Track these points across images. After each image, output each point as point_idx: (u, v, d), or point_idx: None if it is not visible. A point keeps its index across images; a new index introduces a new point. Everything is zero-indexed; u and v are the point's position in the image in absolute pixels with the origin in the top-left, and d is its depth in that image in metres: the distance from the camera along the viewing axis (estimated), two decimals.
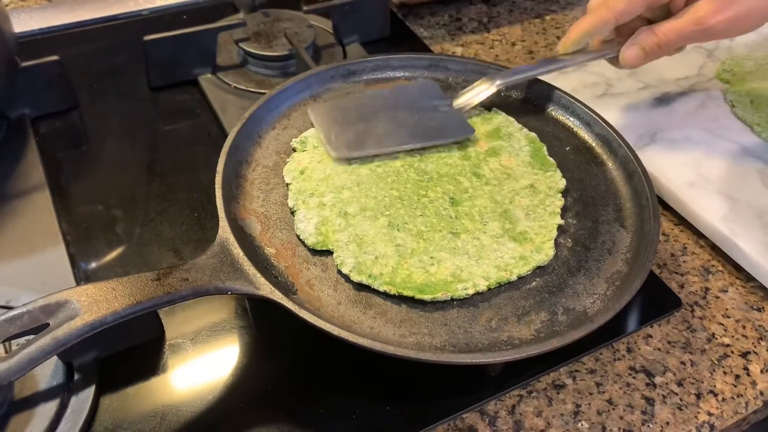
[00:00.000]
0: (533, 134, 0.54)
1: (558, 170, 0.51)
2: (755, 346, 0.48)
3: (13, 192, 0.53)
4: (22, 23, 0.70)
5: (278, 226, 0.46)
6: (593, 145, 0.54)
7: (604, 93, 0.65)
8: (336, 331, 0.38)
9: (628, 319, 0.48)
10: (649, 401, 0.44)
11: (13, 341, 0.40)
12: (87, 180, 0.56)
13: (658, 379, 0.45)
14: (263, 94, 0.55)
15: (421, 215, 0.47)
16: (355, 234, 0.45)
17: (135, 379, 0.43)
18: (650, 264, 0.43)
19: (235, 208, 0.46)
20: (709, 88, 0.65)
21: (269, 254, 0.44)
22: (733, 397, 0.45)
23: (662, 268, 0.53)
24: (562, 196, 0.50)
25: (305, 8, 0.69)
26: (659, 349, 0.47)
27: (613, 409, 0.44)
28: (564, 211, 0.49)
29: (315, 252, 0.45)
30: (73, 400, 0.40)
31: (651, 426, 0.43)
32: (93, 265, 0.50)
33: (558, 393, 0.44)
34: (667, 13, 0.53)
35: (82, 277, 0.48)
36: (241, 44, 0.66)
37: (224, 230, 0.42)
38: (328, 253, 0.45)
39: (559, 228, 0.47)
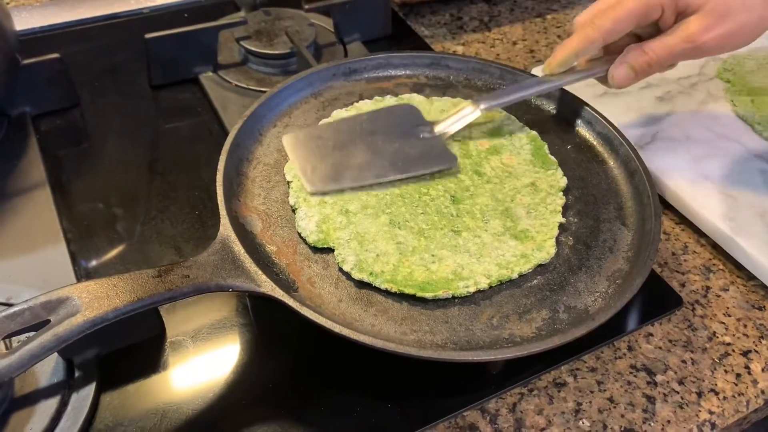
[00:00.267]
0: (534, 132, 0.54)
1: (559, 168, 0.51)
2: (756, 345, 0.48)
3: (14, 189, 0.53)
4: (23, 21, 0.70)
5: (279, 224, 0.46)
6: (594, 143, 0.54)
7: (605, 92, 0.65)
8: (337, 328, 0.38)
9: (629, 318, 0.48)
10: (650, 400, 0.44)
11: (13, 338, 0.40)
12: (88, 178, 0.56)
13: (659, 378, 0.45)
14: (264, 92, 0.55)
15: (422, 213, 0.47)
16: (357, 232, 0.45)
17: (136, 376, 0.43)
18: (651, 262, 0.43)
19: (236, 205, 0.46)
20: (710, 88, 0.65)
21: (270, 252, 0.44)
22: (734, 396, 0.45)
23: (663, 266, 0.53)
24: (564, 195, 0.50)
25: (306, 6, 0.69)
26: (660, 348, 0.47)
27: (614, 407, 0.43)
28: (565, 210, 0.49)
29: (316, 250, 0.45)
30: (74, 397, 0.40)
31: (652, 424, 0.43)
32: (94, 262, 0.50)
33: (559, 391, 0.44)
34: (656, 29, 0.50)
35: (83, 275, 0.48)
36: (242, 42, 0.66)
37: (225, 227, 0.42)
38: (329, 250, 0.45)
39: (561, 226, 0.47)
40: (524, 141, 0.53)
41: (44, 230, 0.50)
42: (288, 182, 0.49)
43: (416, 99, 0.57)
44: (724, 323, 0.49)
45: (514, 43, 0.76)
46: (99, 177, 0.56)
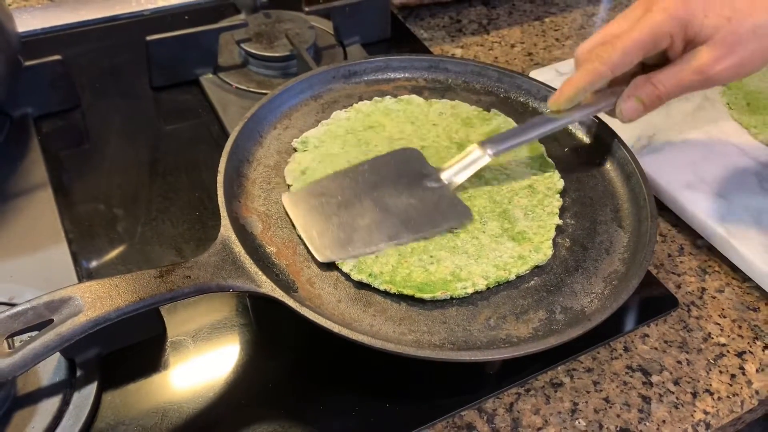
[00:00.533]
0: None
1: (556, 171, 0.52)
2: (751, 346, 0.48)
3: (15, 190, 0.53)
4: (25, 23, 0.70)
5: (279, 225, 0.46)
6: (591, 146, 0.55)
7: None
8: (336, 328, 0.38)
9: (626, 319, 0.49)
10: (646, 400, 0.44)
11: (15, 338, 0.41)
12: (89, 178, 0.57)
13: (654, 378, 0.46)
14: (264, 94, 0.56)
15: None
16: None
17: (137, 376, 0.43)
18: (647, 264, 0.44)
19: (237, 206, 0.47)
20: (706, 91, 0.66)
21: (270, 252, 0.44)
22: (728, 396, 0.45)
23: (659, 268, 0.53)
24: (561, 197, 0.50)
25: (306, 9, 0.70)
26: (656, 349, 0.48)
27: (610, 407, 0.44)
28: (562, 212, 0.49)
29: None
30: (76, 396, 0.41)
31: (647, 424, 0.43)
32: (95, 262, 0.50)
33: (556, 391, 0.45)
34: (663, 56, 0.48)
35: (84, 275, 0.49)
36: (242, 45, 0.66)
37: (226, 228, 0.42)
38: None
39: (558, 228, 0.48)
40: None
41: (46, 230, 0.50)
42: (288, 185, 0.49)
43: (415, 101, 0.57)
44: (719, 324, 0.49)
45: (513, 46, 0.77)
46: (100, 178, 0.57)
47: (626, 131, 0.57)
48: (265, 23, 0.69)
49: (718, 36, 0.45)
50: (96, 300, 0.36)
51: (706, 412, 0.44)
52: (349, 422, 0.42)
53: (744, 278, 0.52)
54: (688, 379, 0.46)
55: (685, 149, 0.59)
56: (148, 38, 0.63)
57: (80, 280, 0.47)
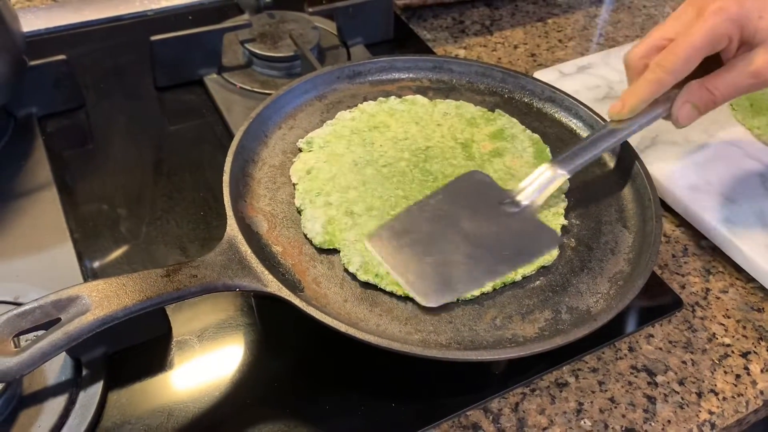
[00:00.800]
0: (536, 136, 0.55)
1: None
2: (755, 346, 0.48)
3: (20, 190, 0.54)
4: (30, 23, 0.70)
5: (285, 225, 0.47)
6: None
7: (606, 96, 0.66)
8: (343, 327, 0.38)
9: (630, 319, 0.49)
10: (651, 400, 0.44)
11: (21, 337, 0.41)
12: (93, 178, 0.57)
13: (659, 378, 0.46)
14: (268, 94, 0.56)
15: None
16: (362, 233, 0.45)
17: (142, 375, 0.43)
18: (653, 264, 0.44)
19: (242, 206, 0.47)
20: None
21: (276, 252, 0.45)
22: (733, 396, 0.45)
23: (664, 268, 0.53)
24: (566, 197, 0.50)
25: (310, 10, 0.70)
26: (661, 349, 0.48)
27: (615, 407, 0.44)
28: (567, 212, 0.49)
29: (321, 250, 0.45)
30: (82, 395, 0.41)
31: (653, 424, 0.43)
32: (100, 262, 0.50)
33: (561, 391, 0.45)
34: (715, 57, 0.47)
35: (90, 275, 0.49)
36: (246, 45, 0.66)
37: (232, 228, 0.42)
38: (334, 251, 0.45)
39: (563, 228, 0.48)
40: (527, 144, 0.54)
41: (51, 230, 0.50)
42: (293, 184, 0.49)
43: (420, 101, 0.57)
44: (723, 325, 0.50)
45: (516, 47, 0.77)
46: (104, 177, 0.57)
47: None
48: (269, 23, 0.69)
49: None
50: (103, 299, 0.36)
51: (711, 413, 0.44)
52: (354, 422, 0.42)
53: (748, 279, 0.52)
54: (693, 380, 0.46)
55: (689, 150, 0.59)
56: (153, 38, 0.63)
57: (85, 279, 0.47)
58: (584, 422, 0.43)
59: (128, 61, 0.69)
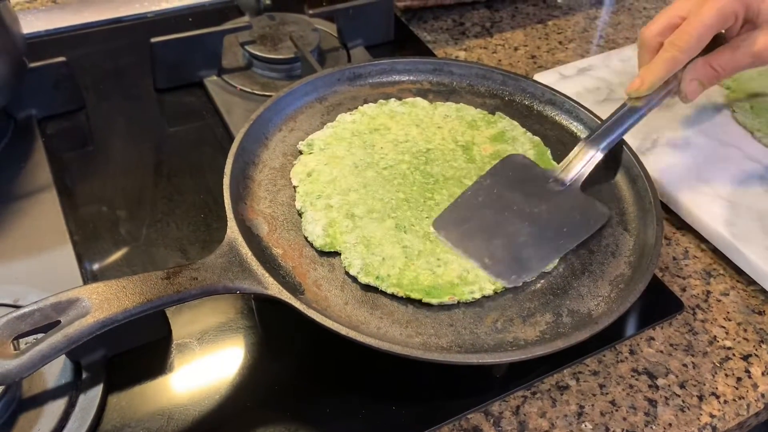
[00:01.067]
0: (537, 138, 0.55)
1: None
2: (756, 349, 0.48)
3: (20, 192, 0.53)
4: (30, 24, 0.70)
5: (285, 227, 0.46)
6: None
7: (606, 98, 0.66)
8: (344, 330, 0.38)
9: (631, 322, 0.49)
10: (652, 403, 0.44)
11: (21, 340, 0.41)
12: (93, 180, 0.57)
13: (660, 381, 0.46)
14: (268, 96, 0.56)
15: (427, 217, 0.47)
16: (363, 236, 0.45)
17: (142, 378, 0.43)
18: (653, 267, 0.44)
19: (243, 208, 0.47)
20: (710, 94, 0.66)
21: (276, 254, 0.44)
22: (734, 399, 0.45)
23: (664, 271, 0.53)
24: None
25: (310, 12, 0.70)
26: (662, 352, 0.47)
27: (616, 410, 0.44)
28: None
29: (322, 253, 0.45)
30: (81, 398, 0.40)
31: (654, 427, 0.43)
32: (100, 265, 0.50)
33: (562, 394, 0.45)
34: (719, 35, 0.51)
35: (90, 277, 0.49)
36: (246, 47, 0.66)
37: (232, 230, 0.42)
38: (335, 253, 0.45)
39: None
40: (527, 146, 0.54)
41: (51, 232, 0.50)
42: (294, 187, 0.49)
43: (420, 103, 0.57)
44: (724, 327, 0.49)
45: (516, 49, 0.77)
46: (104, 180, 0.57)
47: (631, 135, 0.57)
48: (269, 25, 0.69)
49: None
50: (103, 301, 0.36)
51: (712, 416, 0.44)
52: (354, 425, 0.42)
53: (749, 281, 0.52)
54: (694, 383, 0.46)
55: (689, 153, 0.59)
56: (153, 40, 0.63)
57: (85, 281, 0.47)
58: (585, 425, 0.43)
59: (128, 63, 0.69)
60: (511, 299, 0.44)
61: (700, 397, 0.45)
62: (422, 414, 0.42)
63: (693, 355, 0.47)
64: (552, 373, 0.45)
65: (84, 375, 0.41)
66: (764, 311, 0.51)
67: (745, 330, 0.49)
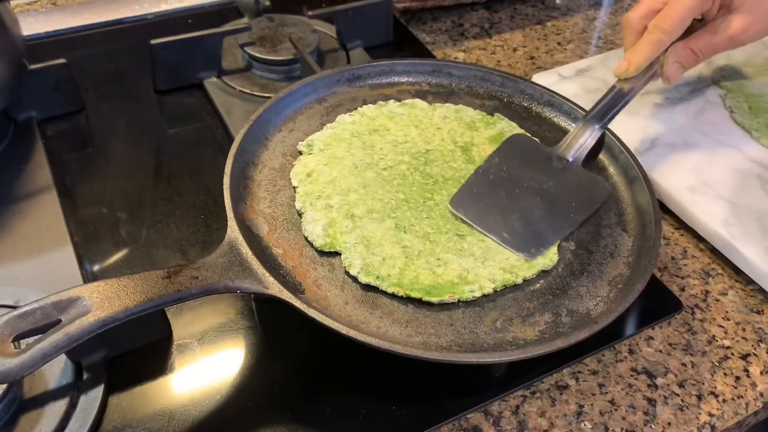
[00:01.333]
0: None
1: None
2: (755, 348, 0.48)
3: (20, 193, 0.54)
4: (30, 26, 0.71)
5: (285, 227, 0.47)
6: (595, 151, 0.55)
7: None
8: (345, 330, 0.38)
9: (630, 322, 0.49)
10: (651, 402, 0.45)
11: (21, 341, 0.41)
12: (94, 182, 0.57)
13: (659, 381, 0.46)
14: (268, 97, 0.56)
15: (427, 217, 0.47)
16: (363, 236, 0.45)
17: (143, 378, 0.43)
18: (652, 267, 0.44)
19: (243, 208, 0.47)
20: (708, 95, 0.66)
21: (277, 254, 0.45)
22: (733, 399, 0.45)
23: (663, 271, 0.53)
24: None
25: (309, 13, 0.70)
26: (660, 351, 0.48)
27: (616, 409, 0.44)
28: None
29: (322, 253, 0.45)
30: (82, 399, 0.41)
31: (653, 426, 0.43)
32: (100, 266, 0.50)
33: (561, 394, 0.45)
34: (702, 16, 0.55)
35: (90, 278, 0.49)
36: (246, 48, 0.67)
37: (233, 230, 0.42)
38: (335, 253, 0.45)
39: None
40: None
41: (51, 233, 0.50)
42: (294, 187, 0.49)
43: (419, 104, 0.57)
44: (723, 327, 0.50)
45: (515, 50, 0.77)
46: (105, 181, 0.57)
47: (629, 135, 0.57)
48: (269, 27, 0.69)
49: (747, 4, 0.52)
50: (104, 300, 0.36)
51: (711, 415, 0.44)
52: (355, 424, 0.42)
53: (747, 281, 0.53)
54: (692, 382, 0.46)
55: (687, 153, 0.59)
56: (153, 42, 0.63)
57: (86, 282, 0.47)
58: (584, 424, 0.43)
59: (128, 65, 0.69)
60: (510, 299, 0.44)
61: (699, 397, 0.45)
62: (422, 413, 0.42)
63: (692, 355, 0.48)
64: (551, 372, 0.46)
65: (85, 376, 0.42)
66: (763, 311, 0.51)
67: (744, 329, 0.50)
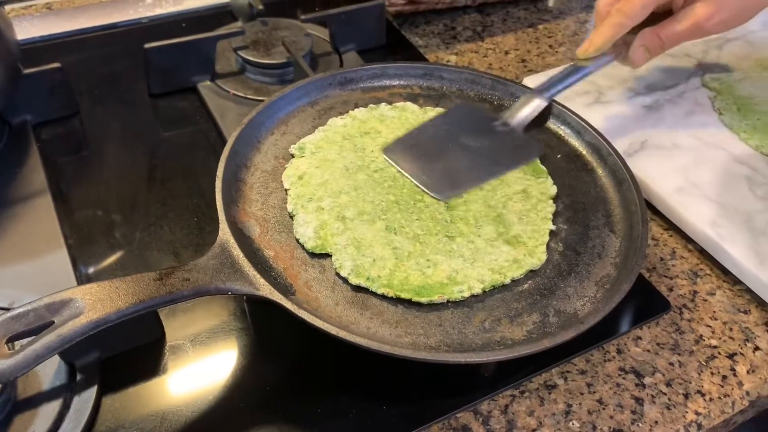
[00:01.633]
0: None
1: (549, 177, 0.53)
2: (742, 348, 0.49)
3: (15, 197, 0.54)
4: (25, 30, 0.71)
5: (277, 229, 0.47)
6: (584, 152, 0.56)
7: (595, 101, 0.66)
8: (334, 330, 0.39)
9: (619, 322, 0.49)
10: (639, 401, 0.45)
11: (15, 342, 0.41)
12: (88, 185, 0.57)
13: (647, 380, 0.46)
14: (261, 101, 0.56)
15: (417, 219, 0.48)
16: (353, 237, 0.46)
17: (136, 379, 0.44)
18: (639, 267, 0.44)
19: (235, 211, 0.47)
20: (697, 97, 0.67)
21: (268, 256, 0.45)
22: (720, 397, 0.46)
23: (652, 271, 0.54)
24: (554, 202, 0.51)
25: (303, 17, 0.70)
26: (648, 351, 0.48)
27: (604, 408, 0.45)
28: (555, 217, 0.50)
29: (313, 254, 0.46)
30: (76, 400, 0.41)
31: (640, 425, 0.44)
32: (94, 268, 0.50)
33: (550, 393, 0.45)
34: (667, 6, 0.57)
35: (84, 280, 0.49)
36: (239, 52, 0.67)
37: (224, 232, 0.43)
38: (326, 255, 0.46)
39: (551, 233, 0.49)
40: None
41: (45, 236, 0.51)
42: (285, 189, 0.50)
43: (410, 107, 0.58)
44: (710, 327, 0.50)
45: (507, 53, 0.78)
46: (99, 184, 0.57)
47: (618, 137, 0.58)
48: (262, 31, 0.70)
49: None
50: (96, 302, 0.36)
51: (697, 413, 0.45)
52: (346, 424, 0.42)
53: (735, 281, 0.53)
54: (680, 381, 0.46)
55: (676, 154, 0.60)
56: (146, 46, 0.63)
57: (80, 285, 0.48)
58: (573, 423, 0.44)
59: (122, 69, 0.69)
60: (498, 299, 0.44)
61: (686, 395, 0.46)
62: (412, 413, 0.43)
63: (679, 354, 0.48)
64: (540, 372, 0.46)
65: (78, 377, 0.42)
66: (749, 310, 0.51)
67: (731, 329, 0.50)
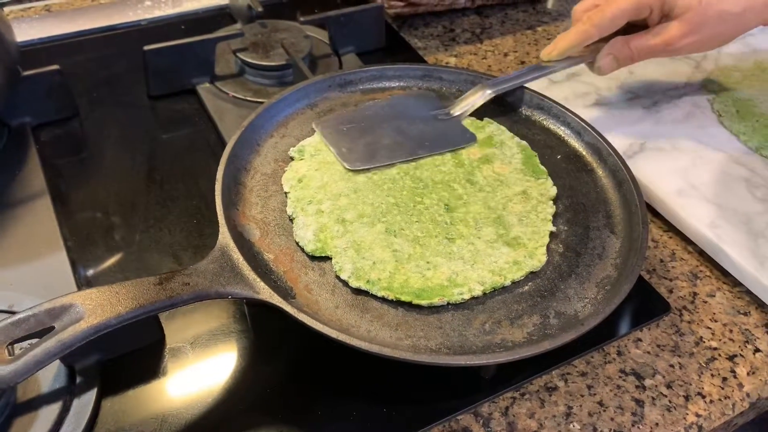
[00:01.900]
0: (525, 142, 0.56)
1: (549, 178, 0.53)
2: (742, 350, 0.49)
3: (14, 199, 0.54)
4: (24, 32, 0.71)
5: (277, 232, 0.47)
6: (583, 153, 0.56)
7: (594, 102, 0.66)
8: (334, 333, 0.39)
9: (619, 323, 0.49)
10: (639, 403, 0.45)
11: (15, 345, 0.41)
12: (87, 187, 0.57)
13: (647, 382, 0.46)
14: (261, 103, 0.56)
15: (417, 221, 0.48)
16: (353, 240, 0.46)
17: (136, 382, 0.44)
18: (639, 269, 0.44)
19: (235, 214, 0.47)
20: (696, 99, 0.67)
21: (268, 259, 0.45)
22: (720, 399, 0.46)
23: (651, 273, 0.54)
24: (554, 203, 0.51)
25: (302, 19, 0.70)
26: (649, 353, 0.48)
27: (604, 410, 0.45)
28: (555, 218, 0.50)
29: (313, 257, 0.46)
30: (76, 403, 0.41)
31: (641, 427, 0.44)
32: (94, 270, 0.50)
33: (550, 395, 0.45)
34: (644, 21, 0.57)
35: (83, 283, 0.49)
36: (238, 54, 0.67)
37: (224, 236, 0.43)
38: (326, 258, 0.46)
39: (551, 234, 0.49)
40: (515, 150, 0.55)
41: (45, 238, 0.51)
42: (285, 192, 0.50)
43: None
44: (710, 328, 0.50)
45: (506, 55, 0.78)
46: (98, 186, 0.57)
47: (618, 139, 0.58)
48: (261, 33, 0.70)
49: (688, 15, 0.54)
50: (96, 307, 0.36)
51: (698, 415, 0.45)
52: (346, 427, 0.42)
53: (735, 283, 0.53)
54: (680, 383, 0.46)
55: (676, 156, 0.60)
56: (146, 48, 0.63)
57: (79, 287, 0.48)
58: (573, 425, 0.44)
59: (122, 71, 0.69)
60: (499, 301, 0.44)
61: (687, 397, 0.46)
62: (412, 416, 0.43)
63: (680, 356, 0.48)
64: (540, 374, 0.46)
65: (78, 380, 0.42)
66: (749, 312, 0.51)
67: (731, 331, 0.50)
